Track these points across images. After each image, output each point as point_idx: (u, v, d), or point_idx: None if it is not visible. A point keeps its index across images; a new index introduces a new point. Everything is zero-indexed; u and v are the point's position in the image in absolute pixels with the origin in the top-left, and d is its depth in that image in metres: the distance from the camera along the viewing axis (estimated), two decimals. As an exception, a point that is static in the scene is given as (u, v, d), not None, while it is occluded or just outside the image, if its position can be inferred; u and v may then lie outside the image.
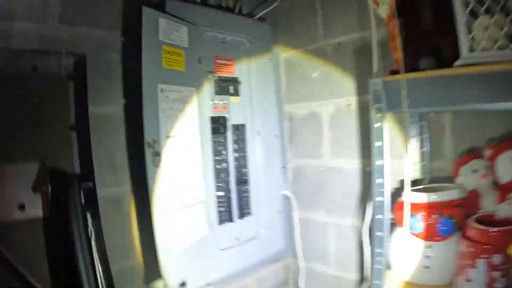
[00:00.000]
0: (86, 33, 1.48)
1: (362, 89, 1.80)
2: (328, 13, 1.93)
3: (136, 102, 1.41)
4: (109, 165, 1.54)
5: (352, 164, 1.88)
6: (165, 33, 1.49)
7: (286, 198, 2.09)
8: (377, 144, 1.34)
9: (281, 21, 2.13)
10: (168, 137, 1.48)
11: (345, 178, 1.92)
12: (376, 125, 1.34)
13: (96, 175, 1.46)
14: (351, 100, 1.87)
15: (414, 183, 1.52)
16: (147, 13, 1.43)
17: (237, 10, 1.93)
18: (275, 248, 2.03)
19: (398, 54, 1.36)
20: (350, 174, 1.90)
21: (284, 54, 2.14)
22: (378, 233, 1.38)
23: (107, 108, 1.54)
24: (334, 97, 1.93)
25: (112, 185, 1.55)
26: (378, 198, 1.35)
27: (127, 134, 1.57)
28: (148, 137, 1.40)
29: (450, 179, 1.51)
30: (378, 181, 1.33)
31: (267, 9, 2.00)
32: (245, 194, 1.91)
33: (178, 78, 1.55)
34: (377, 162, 1.34)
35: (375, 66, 1.41)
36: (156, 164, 1.42)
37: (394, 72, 1.36)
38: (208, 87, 1.74)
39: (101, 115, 1.52)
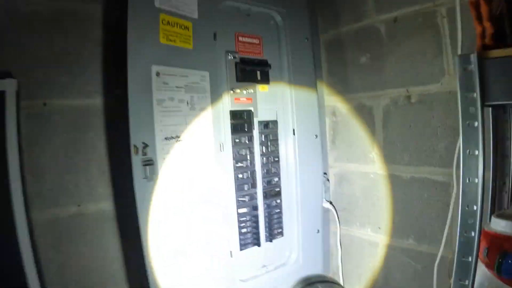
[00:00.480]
0: (67, 7, 1.21)
1: (426, 77, 1.46)
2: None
3: (121, 90, 1.04)
4: (99, 174, 1.25)
5: (413, 172, 1.54)
6: (164, -4, 1.13)
7: (326, 211, 1.77)
8: (469, 152, 0.90)
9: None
10: (167, 138, 1.11)
11: (403, 189, 1.58)
12: (468, 123, 0.91)
13: (83, 186, 1.22)
14: (412, 91, 1.52)
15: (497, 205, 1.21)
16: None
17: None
18: (311, 273, 1.65)
19: (487, 25, 0.99)
20: (409, 185, 1.56)
21: (325, 33, 1.80)
22: (463, 282, 0.95)
23: (97, 100, 1.25)
24: (389, 87, 1.59)
25: (103, 198, 1.27)
26: (468, 233, 0.92)
27: (108, 134, 1.24)
28: (135, 139, 1.03)
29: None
30: (468, 208, 0.90)
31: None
32: (276, 210, 1.55)
33: (184, 58, 1.18)
34: (470, 179, 0.90)
35: (459, 37, 0.99)
36: (148, 176, 1.05)
37: (487, 47, 0.94)
38: (227, 72, 1.37)
39: (90, 109, 1.24)
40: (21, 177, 1.05)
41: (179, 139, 1.14)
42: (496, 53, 0.89)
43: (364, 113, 1.68)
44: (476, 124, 0.92)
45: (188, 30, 1.19)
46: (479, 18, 1.05)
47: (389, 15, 1.55)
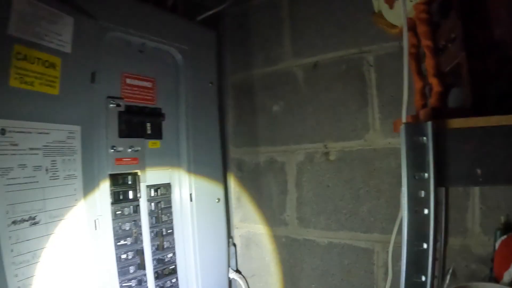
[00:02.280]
0: None
1: (347, 132, 1.35)
2: (299, 22, 1.45)
3: None
4: None
5: (331, 237, 1.40)
6: (24, 21, 0.81)
7: (233, 280, 1.57)
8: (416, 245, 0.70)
9: (229, 30, 1.62)
10: (15, 222, 0.78)
11: (319, 255, 1.43)
12: (416, 210, 0.71)
13: None
14: (331, 147, 1.39)
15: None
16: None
17: (169, 4, 1.30)
18: None
19: (434, 82, 0.81)
20: (327, 251, 1.42)
21: (233, 76, 1.62)
22: None
23: None
24: (305, 142, 1.45)
25: None
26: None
27: None
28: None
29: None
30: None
31: (211, 12, 1.44)
32: (172, 292, 1.27)
33: (44, 108, 0.87)
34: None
35: (405, 96, 0.81)
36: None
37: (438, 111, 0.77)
38: (107, 125, 1.08)
39: None
40: None
41: (34, 221, 0.82)
42: (459, 123, 0.69)
43: (276, 169, 1.51)
44: (426, 211, 0.72)
45: (55, 68, 0.88)
46: (420, 72, 0.89)
47: (308, 60, 1.42)
